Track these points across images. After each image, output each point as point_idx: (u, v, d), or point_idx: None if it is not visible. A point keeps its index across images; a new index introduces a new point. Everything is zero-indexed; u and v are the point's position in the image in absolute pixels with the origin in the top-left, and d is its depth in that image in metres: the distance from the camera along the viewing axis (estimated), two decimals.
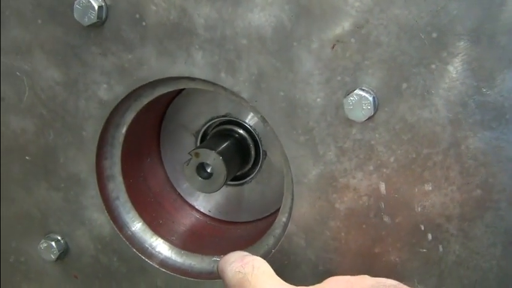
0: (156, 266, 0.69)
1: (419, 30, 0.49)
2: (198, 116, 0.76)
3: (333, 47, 0.52)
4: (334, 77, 0.53)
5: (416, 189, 0.54)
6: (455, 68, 0.49)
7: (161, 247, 0.71)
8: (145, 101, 0.64)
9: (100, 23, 0.58)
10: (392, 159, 0.54)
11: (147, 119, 0.72)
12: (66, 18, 0.59)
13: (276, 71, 0.54)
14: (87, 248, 0.70)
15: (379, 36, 0.50)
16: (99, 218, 0.68)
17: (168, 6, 0.55)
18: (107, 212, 0.68)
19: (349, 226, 0.58)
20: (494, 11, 0.47)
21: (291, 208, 0.61)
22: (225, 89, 0.58)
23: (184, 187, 0.80)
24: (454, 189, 0.53)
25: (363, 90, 0.52)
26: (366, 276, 0.52)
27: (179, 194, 0.80)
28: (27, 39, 0.62)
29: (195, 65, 0.57)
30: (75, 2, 0.57)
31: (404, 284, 0.51)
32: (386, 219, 0.56)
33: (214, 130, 0.76)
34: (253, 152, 0.75)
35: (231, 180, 0.76)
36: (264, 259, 0.56)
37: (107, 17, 0.57)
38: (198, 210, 0.80)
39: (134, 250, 0.69)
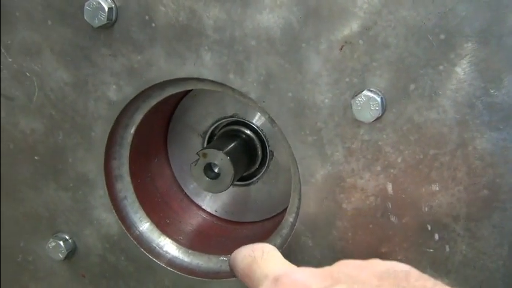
0: (163, 265, 0.69)
1: (427, 32, 0.49)
2: (206, 116, 0.76)
3: (341, 48, 0.52)
4: (343, 78, 0.53)
5: (423, 190, 0.54)
6: (463, 69, 0.49)
7: (168, 247, 0.72)
8: (153, 101, 0.64)
9: (110, 25, 0.58)
10: (399, 160, 0.54)
11: (155, 119, 0.73)
12: (76, 20, 0.59)
13: (285, 72, 0.55)
14: (95, 248, 0.71)
15: (387, 37, 0.50)
16: (107, 217, 0.69)
17: (177, 8, 0.56)
18: (115, 211, 0.69)
19: (356, 226, 0.58)
20: (501, 12, 0.47)
21: (298, 208, 0.61)
22: (233, 89, 0.58)
23: (191, 187, 0.80)
24: (461, 190, 0.53)
25: (371, 91, 0.52)
26: (377, 259, 0.50)
27: (186, 194, 0.80)
28: (37, 40, 0.62)
29: (204, 66, 0.57)
30: (85, 4, 0.57)
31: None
32: (393, 219, 0.57)
33: (222, 131, 0.76)
34: (260, 153, 0.75)
35: (238, 180, 0.76)
36: None
37: (116, 18, 0.58)
38: (205, 210, 0.80)
39: (142, 250, 0.69)
